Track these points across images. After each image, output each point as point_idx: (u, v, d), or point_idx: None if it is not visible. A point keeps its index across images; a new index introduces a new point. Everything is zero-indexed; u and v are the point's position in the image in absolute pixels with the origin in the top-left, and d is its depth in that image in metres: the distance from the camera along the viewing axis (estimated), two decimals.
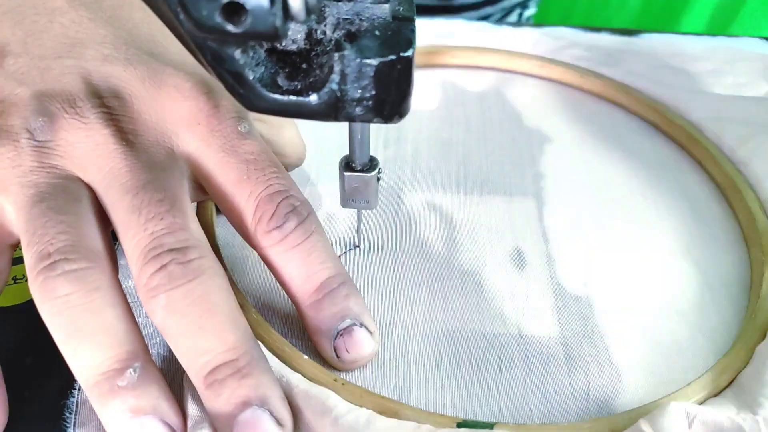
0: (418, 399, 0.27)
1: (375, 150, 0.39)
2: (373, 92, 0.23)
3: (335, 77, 0.22)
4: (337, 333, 0.26)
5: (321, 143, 0.40)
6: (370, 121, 0.24)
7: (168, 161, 0.27)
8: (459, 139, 0.41)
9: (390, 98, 0.23)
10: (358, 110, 0.23)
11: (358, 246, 0.33)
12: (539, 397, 0.27)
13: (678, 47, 0.47)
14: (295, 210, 0.27)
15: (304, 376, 0.25)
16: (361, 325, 0.27)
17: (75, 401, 0.26)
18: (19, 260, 0.32)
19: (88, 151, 0.26)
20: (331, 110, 0.23)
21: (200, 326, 0.23)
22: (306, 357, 0.26)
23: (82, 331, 0.23)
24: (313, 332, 0.27)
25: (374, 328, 0.27)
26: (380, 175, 0.29)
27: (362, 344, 0.27)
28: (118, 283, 0.24)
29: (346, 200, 0.30)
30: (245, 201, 0.27)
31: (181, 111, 0.27)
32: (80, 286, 0.23)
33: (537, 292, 0.31)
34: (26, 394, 0.26)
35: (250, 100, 0.23)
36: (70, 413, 0.26)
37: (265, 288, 0.31)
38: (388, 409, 0.25)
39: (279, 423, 0.23)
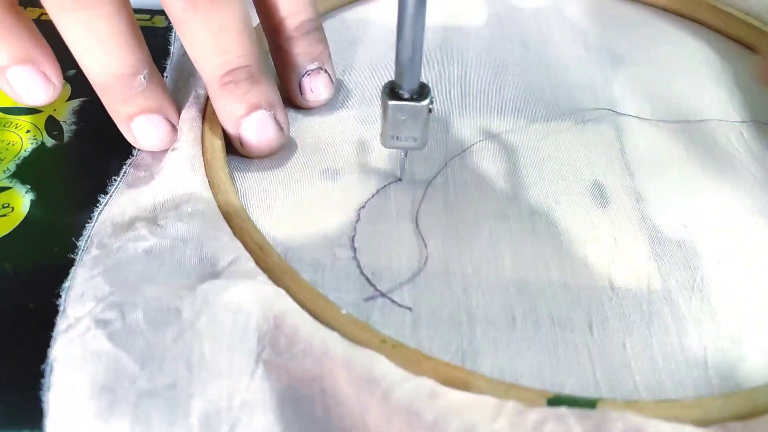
0: (489, 366, 0.21)
1: None
2: None
3: None
4: (305, 72, 0.29)
5: (349, 63, 0.33)
6: None
7: None
8: (514, 59, 0.34)
9: None
10: None
11: (400, 179, 0.27)
12: (644, 365, 0.21)
13: None
14: None
15: (343, 336, 0.19)
16: (326, 70, 0.29)
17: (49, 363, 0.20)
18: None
19: None
20: None
21: (222, 27, 0.24)
22: (345, 311, 0.20)
23: (94, 34, 0.24)
24: (283, 67, 0.29)
25: (334, 77, 0.30)
26: (432, 105, 0.23)
27: (324, 87, 0.29)
28: None
29: (389, 137, 0.24)
30: None
31: None
32: None
33: (628, 235, 0.25)
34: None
35: None
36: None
37: (289, 232, 0.24)
38: (455, 378, 0.19)
39: (279, 126, 0.27)
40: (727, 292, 0.23)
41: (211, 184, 0.25)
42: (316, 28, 0.29)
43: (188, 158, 0.25)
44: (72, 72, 0.30)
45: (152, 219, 0.23)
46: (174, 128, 0.27)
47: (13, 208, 0.25)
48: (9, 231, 0.24)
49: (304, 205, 0.25)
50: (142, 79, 0.25)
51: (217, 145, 0.26)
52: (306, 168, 0.27)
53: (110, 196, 0.25)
